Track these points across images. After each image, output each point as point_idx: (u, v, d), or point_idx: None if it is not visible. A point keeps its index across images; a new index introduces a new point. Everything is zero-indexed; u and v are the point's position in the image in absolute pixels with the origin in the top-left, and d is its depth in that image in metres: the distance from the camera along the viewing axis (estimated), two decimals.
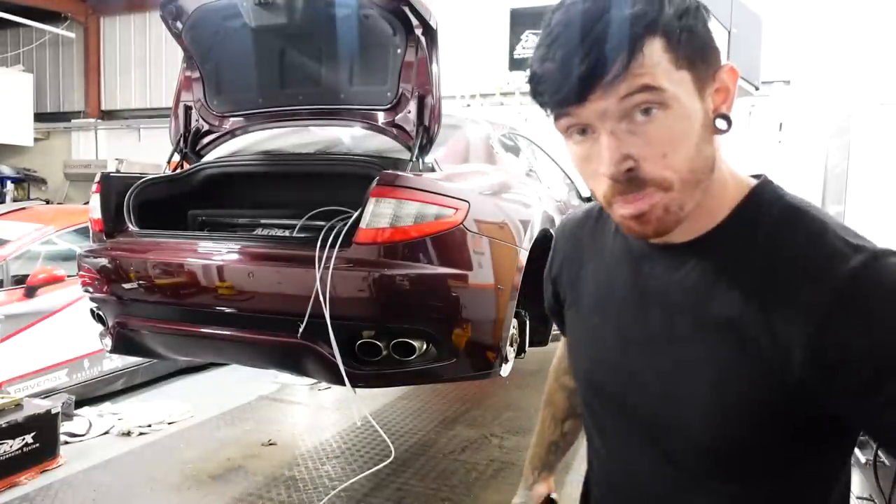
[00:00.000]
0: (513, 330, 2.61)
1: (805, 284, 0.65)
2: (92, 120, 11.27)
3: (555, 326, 1.87)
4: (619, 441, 0.83)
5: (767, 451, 0.71)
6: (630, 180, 0.67)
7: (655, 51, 0.64)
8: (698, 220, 0.73)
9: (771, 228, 0.70)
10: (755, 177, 0.76)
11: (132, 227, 2.77)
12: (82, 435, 3.85)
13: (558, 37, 0.65)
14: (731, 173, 0.75)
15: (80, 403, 4.18)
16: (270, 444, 3.61)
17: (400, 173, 2.32)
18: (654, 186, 0.67)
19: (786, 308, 0.66)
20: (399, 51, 2.62)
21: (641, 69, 0.64)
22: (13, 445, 3.19)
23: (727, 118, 0.69)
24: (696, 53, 0.67)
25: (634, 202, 0.68)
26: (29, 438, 3.26)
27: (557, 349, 1.19)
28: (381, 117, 2.76)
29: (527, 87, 0.71)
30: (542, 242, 2.68)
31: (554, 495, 1.14)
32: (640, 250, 0.78)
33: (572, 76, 0.64)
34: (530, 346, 2.84)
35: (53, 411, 3.42)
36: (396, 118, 2.70)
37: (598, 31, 0.63)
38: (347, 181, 2.64)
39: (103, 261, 2.71)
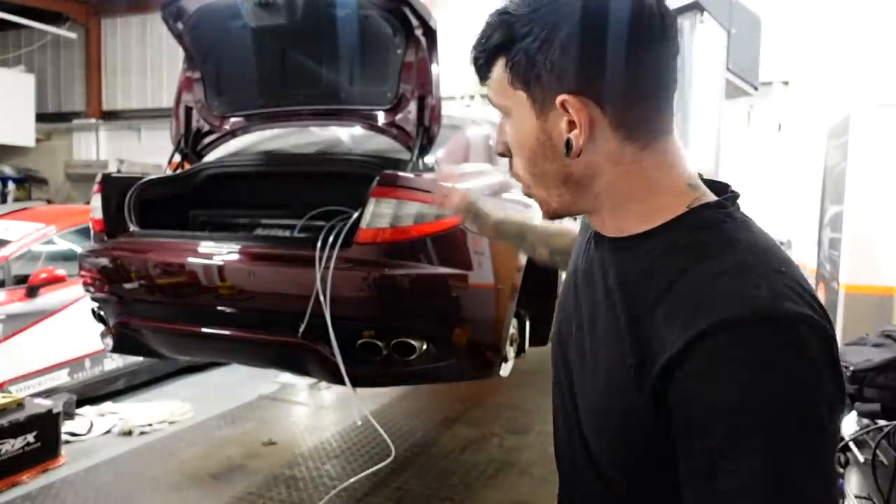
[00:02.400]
0: (513, 329, 2.62)
1: (673, 319, 0.64)
2: (93, 120, 11.30)
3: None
4: (560, 420, 0.86)
5: (643, 459, 0.70)
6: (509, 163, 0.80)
7: (498, 69, 0.75)
8: (626, 220, 0.75)
9: (684, 252, 0.69)
10: (719, 191, 0.75)
11: (133, 228, 2.79)
12: (83, 434, 3.86)
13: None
14: (676, 184, 0.73)
15: (81, 403, 4.19)
16: (271, 444, 3.61)
17: (400, 173, 2.33)
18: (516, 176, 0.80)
19: (660, 336, 0.65)
20: (399, 51, 2.63)
21: (490, 81, 0.77)
22: (15, 444, 3.20)
23: (568, 144, 0.72)
24: (531, 79, 0.72)
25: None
26: (30, 438, 3.26)
27: None
28: (382, 118, 2.77)
29: None
30: None
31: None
32: (593, 239, 0.82)
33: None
34: (530, 345, 2.85)
35: (55, 411, 3.42)
36: (397, 118, 2.71)
37: (480, 39, 0.76)
38: (347, 181, 2.65)
39: (104, 261, 2.72)
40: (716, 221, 0.70)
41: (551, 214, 0.81)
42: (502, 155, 0.81)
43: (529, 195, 0.81)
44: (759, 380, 0.58)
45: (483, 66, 0.77)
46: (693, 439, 0.61)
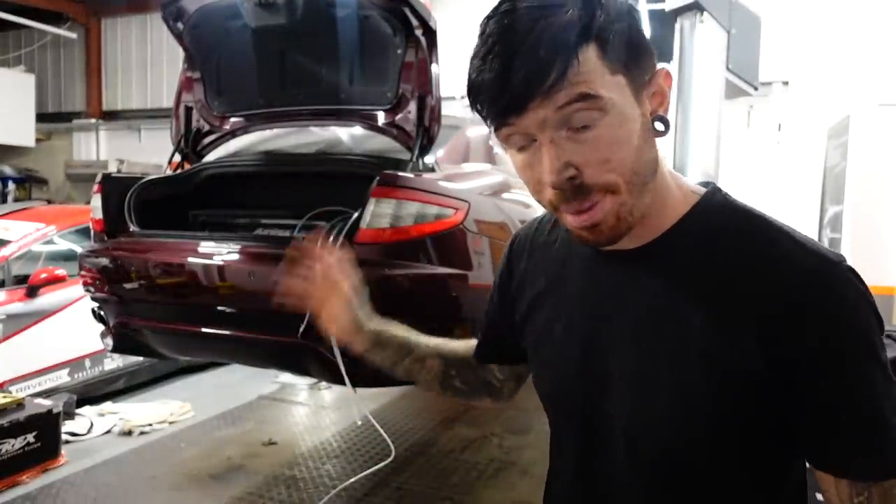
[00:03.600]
0: None
1: (760, 284, 0.67)
2: (93, 120, 11.29)
3: None
4: (585, 453, 0.81)
5: (727, 457, 0.72)
6: (575, 188, 0.67)
7: (591, 57, 0.64)
8: (646, 226, 0.73)
9: (726, 234, 0.72)
10: (703, 184, 0.77)
11: (133, 228, 2.78)
12: (83, 434, 3.86)
13: (494, 46, 0.65)
14: (676, 180, 0.76)
15: (81, 403, 4.19)
16: (271, 444, 3.61)
17: (400, 173, 2.33)
18: (599, 191, 0.67)
19: (740, 309, 0.68)
20: (399, 51, 2.63)
21: (578, 77, 0.63)
22: (15, 444, 3.20)
23: (664, 120, 0.70)
24: (631, 58, 0.67)
25: (586, 213, 0.69)
26: (31, 438, 3.26)
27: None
28: (382, 117, 2.76)
29: None
30: None
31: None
32: (593, 258, 0.78)
33: (510, 86, 0.64)
34: None
35: (55, 411, 3.42)
36: (396, 118, 2.71)
37: (534, 39, 0.63)
38: (347, 181, 2.64)
39: (104, 261, 2.72)
40: (729, 201, 0.75)
41: (632, 223, 0.71)
42: (570, 180, 0.66)
43: (629, 218, 0.70)
44: (861, 308, 0.67)
45: (570, 57, 0.63)
46: (826, 378, 0.66)
